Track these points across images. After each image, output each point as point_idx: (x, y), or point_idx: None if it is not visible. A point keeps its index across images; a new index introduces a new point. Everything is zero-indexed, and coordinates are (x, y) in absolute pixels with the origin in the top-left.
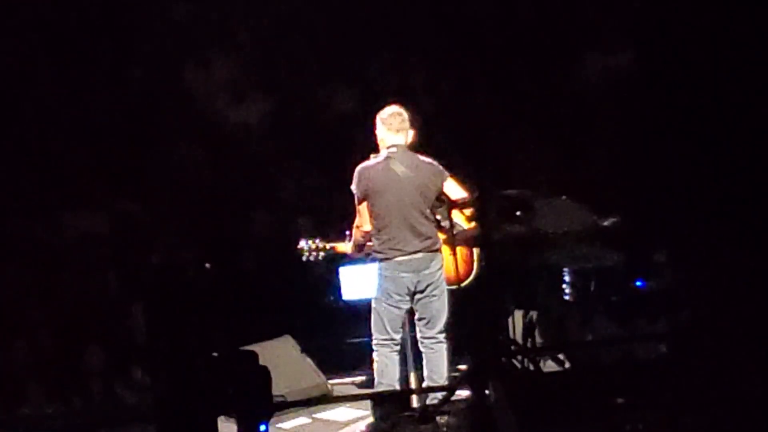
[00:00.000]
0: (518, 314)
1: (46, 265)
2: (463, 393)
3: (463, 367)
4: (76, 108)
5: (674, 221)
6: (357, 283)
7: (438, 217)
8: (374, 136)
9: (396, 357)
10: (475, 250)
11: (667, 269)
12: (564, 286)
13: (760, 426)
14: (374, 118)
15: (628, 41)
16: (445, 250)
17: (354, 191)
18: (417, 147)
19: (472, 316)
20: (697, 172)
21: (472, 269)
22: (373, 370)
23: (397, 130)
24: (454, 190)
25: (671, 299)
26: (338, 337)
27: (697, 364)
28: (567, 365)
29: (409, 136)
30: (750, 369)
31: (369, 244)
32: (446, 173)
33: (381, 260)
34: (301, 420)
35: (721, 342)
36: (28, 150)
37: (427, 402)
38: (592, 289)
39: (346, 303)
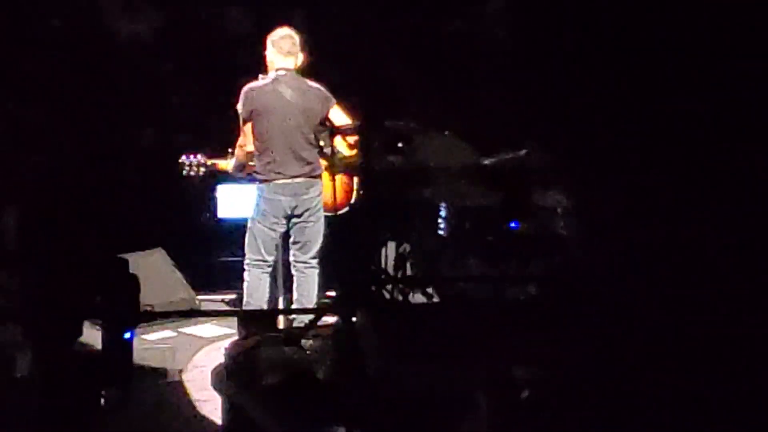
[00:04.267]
0: (392, 246)
1: None
2: (330, 319)
3: (332, 293)
4: None
5: (563, 166)
6: (234, 202)
7: (321, 143)
8: (264, 57)
9: (267, 278)
10: (355, 179)
11: (542, 212)
12: (440, 221)
13: (621, 376)
14: (265, 39)
15: None
16: (325, 176)
17: (239, 111)
18: (305, 71)
19: (346, 244)
20: (594, 116)
21: (350, 197)
22: (242, 289)
23: (287, 53)
24: (339, 116)
25: (544, 242)
26: (210, 255)
27: (567, 308)
28: (436, 299)
29: (299, 59)
30: (618, 321)
31: (250, 164)
32: (333, 100)
33: (261, 181)
34: (167, 333)
35: (597, 290)
36: None
37: (294, 325)
38: (467, 226)
39: (221, 221)
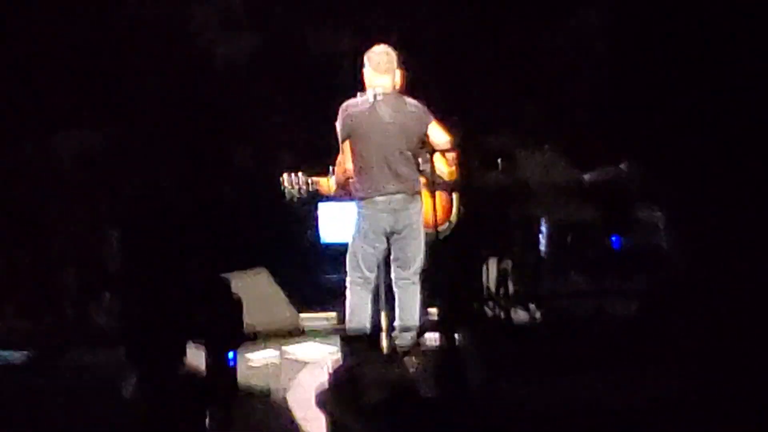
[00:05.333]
0: (493, 262)
1: (29, 184)
2: (432, 336)
3: (434, 311)
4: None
5: (664, 181)
6: (336, 222)
7: (419, 160)
8: (361, 75)
9: (368, 296)
10: (455, 196)
11: (644, 228)
12: (540, 237)
13: (726, 391)
14: (362, 57)
15: None
16: (425, 194)
17: (338, 129)
18: (403, 89)
19: (447, 262)
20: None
21: (450, 214)
22: (344, 308)
23: (384, 71)
24: (438, 134)
25: (647, 258)
26: (313, 274)
27: (668, 325)
28: (538, 316)
29: (396, 76)
30: (721, 336)
31: (350, 181)
32: (431, 117)
33: (360, 199)
34: (270, 352)
35: (697, 306)
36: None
37: (397, 344)
38: (568, 242)
39: (324, 245)
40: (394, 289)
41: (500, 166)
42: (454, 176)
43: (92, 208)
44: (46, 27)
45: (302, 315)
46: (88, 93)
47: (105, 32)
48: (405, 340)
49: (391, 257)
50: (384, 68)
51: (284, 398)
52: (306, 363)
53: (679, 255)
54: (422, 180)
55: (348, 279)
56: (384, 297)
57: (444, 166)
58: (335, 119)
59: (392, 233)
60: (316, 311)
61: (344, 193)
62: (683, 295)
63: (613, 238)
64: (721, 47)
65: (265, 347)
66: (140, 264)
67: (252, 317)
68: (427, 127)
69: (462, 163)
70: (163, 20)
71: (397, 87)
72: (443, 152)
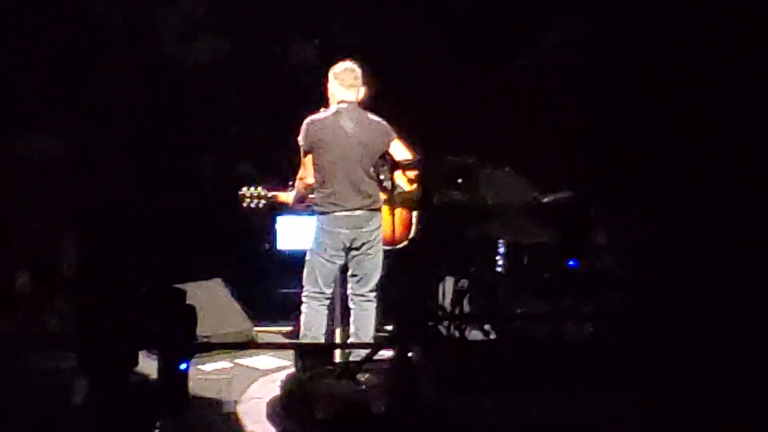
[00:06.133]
0: (449, 281)
1: None
2: (386, 353)
3: (389, 327)
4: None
5: (618, 204)
6: (294, 233)
7: (381, 176)
8: (326, 90)
9: (324, 311)
10: (414, 213)
11: (602, 251)
12: (498, 257)
13: (679, 411)
14: (327, 72)
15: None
16: (385, 210)
17: (300, 143)
18: (367, 105)
19: (404, 279)
20: (647, 156)
21: (409, 232)
22: (299, 321)
23: (349, 86)
24: (400, 151)
25: (603, 281)
26: (269, 286)
27: (621, 347)
28: (492, 336)
29: (360, 92)
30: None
31: (311, 196)
32: (393, 134)
33: (320, 214)
34: (223, 364)
35: (650, 328)
36: None
37: (350, 359)
38: (525, 263)
39: (280, 253)
40: (350, 304)
41: (460, 186)
42: (415, 194)
43: (48, 213)
44: (4, 31)
45: (256, 327)
46: (45, 97)
47: (65, 37)
48: (358, 355)
49: (349, 273)
50: (349, 83)
51: (235, 410)
52: (259, 375)
53: (633, 277)
54: (383, 197)
55: (304, 292)
56: (340, 312)
57: (405, 184)
58: (297, 132)
59: (351, 249)
60: (271, 323)
61: (303, 206)
62: (637, 316)
63: (571, 262)
64: (669, 79)
65: (218, 358)
66: (95, 271)
67: (206, 328)
68: (389, 144)
69: (422, 181)
70: (125, 27)
71: (362, 102)
72: (404, 169)
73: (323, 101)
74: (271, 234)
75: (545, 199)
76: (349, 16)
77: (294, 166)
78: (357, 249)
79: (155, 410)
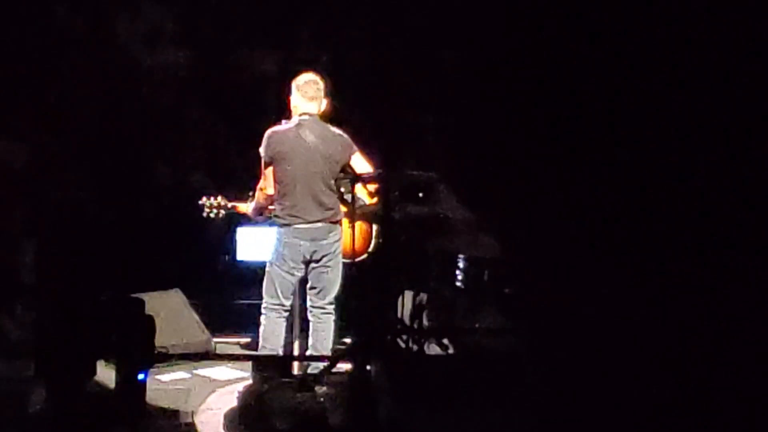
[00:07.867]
0: (408, 295)
1: None
2: (344, 366)
3: (348, 340)
4: None
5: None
6: (253, 244)
7: (341, 189)
8: (288, 101)
9: (283, 323)
10: (374, 227)
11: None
12: (457, 272)
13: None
14: (289, 83)
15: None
16: (345, 223)
17: (261, 154)
18: (328, 117)
19: (363, 292)
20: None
21: (369, 245)
22: (258, 332)
23: (311, 98)
24: (361, 164)
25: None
26: (227, 297)
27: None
28: (451, 350)
29: (322, 105)
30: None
31: (270, 208)
32: (354, 147)
33: (280, 225)
34: (181, 374)
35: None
36: None
37: (308, 371)
38: (485, 278)
39: (240, 264)
40: (309, 316)
41: (421, 200)
42: (375, 207)
43: (6, 220)
44: None
45: (215, 338)
46: (3, 104)
47: (25, 44)
48: (317, 368)
49: (308, 285)
50: (311, 95)
51: (193, 420)
52: (217, 386)
53: (588, 295)
54: (343, 209)
55: (263, 304)
56: (298, 324)
57: (365, 197)
58: (258, 143)
59: (311, 261)
60: (230, 335)
61: (262, 218)
62: (593, 333)
63: None
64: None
65: (176, 369)
66: (54, 278)
67: (164, 338)
68: (350, 157)
69: (383, 195)
70: (86, 34)
71: (323, 114)
72: (365, 182)
73: (285, 113)
74: (230, 245)
75: None
76: (312, 28)
77: (254, 177)
78: (317, 261)
79: (112, 419)
